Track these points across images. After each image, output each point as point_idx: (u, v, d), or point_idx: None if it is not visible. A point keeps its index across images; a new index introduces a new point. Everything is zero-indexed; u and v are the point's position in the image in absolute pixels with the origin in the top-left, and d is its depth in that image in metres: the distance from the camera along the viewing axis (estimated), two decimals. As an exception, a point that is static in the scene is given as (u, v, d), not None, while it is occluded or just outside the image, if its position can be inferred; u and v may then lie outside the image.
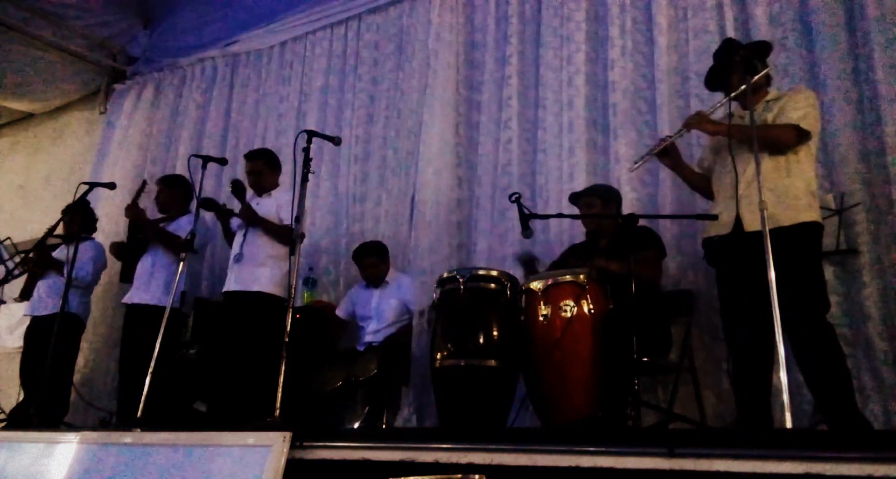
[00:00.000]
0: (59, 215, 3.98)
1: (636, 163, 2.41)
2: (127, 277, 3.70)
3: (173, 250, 3.33)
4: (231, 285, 3.15)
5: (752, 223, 2.06)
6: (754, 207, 2.01)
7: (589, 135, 3.16)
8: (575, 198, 2.78)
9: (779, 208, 2.02)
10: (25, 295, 3.89)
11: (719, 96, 2.32)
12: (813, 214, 2.06)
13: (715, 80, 2.34)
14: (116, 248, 3.84)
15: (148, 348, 2.73)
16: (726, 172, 2.17)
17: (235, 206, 3.33)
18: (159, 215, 3.79)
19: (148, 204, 3.86)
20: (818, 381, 1.96)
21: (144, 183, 3.81)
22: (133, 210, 3.57)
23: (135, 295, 3.53)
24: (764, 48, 2.29)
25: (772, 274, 1.78)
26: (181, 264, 2.95)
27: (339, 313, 3.31)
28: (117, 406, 3.52)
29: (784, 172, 2.09)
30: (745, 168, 2.11)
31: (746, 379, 2.08)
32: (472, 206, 3.43)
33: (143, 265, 3.58)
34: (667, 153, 2.35)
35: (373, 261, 3.26)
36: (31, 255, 3.86)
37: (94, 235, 4.14)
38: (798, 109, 2.12)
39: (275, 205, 3.21)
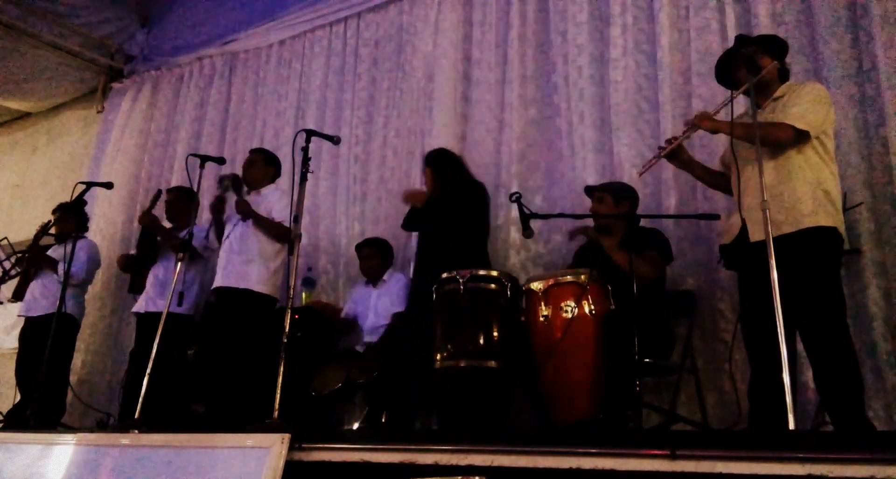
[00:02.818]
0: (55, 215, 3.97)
1: (644, 167, 2.33)
2: (136, 288, 3.70)
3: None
4: (220, 280, 3.13)
5: (755, 233, 2.01)
6: (755, 215, 1.97)
7: (592, 134, 3.15)
8: (589, 191, 2.77)
9: (780, 215, 1.96)
10: (18, 296, 3.88)
11: (722, 95, 2.29)
12: (819, 219, 1.96)
13: (723, 76, 2.28)
14: (124, 260, 3.86)
15: (162, 356, 2.73)
16: (735, 175, 2.10)
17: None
18: (168, 224, 3.78)
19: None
20: (828, 386, 1.92)
21: (160, 192, 3.84)
22: (147, 218, 3.58)
23: (149, 304, 3.52)
24: (776, 43, 2.22)
25: (774, 278, 1.73)
26: (179, 264, 2.94)
27: (344, 314, 3.30)
28: (120, 409, 3.50)
29: (785, 176, 2.02)
30: (749, 172, 2.05)
31: (762, 386, 2.00)
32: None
33: (155, 274, 3.59)
34: (675, 155, 2.28)
35: (367, 252, 3.25)
36: (25, 255, 3.85)
37: (89, 235, 4.13)
38: (798, 105, 2.04)
39: (264, 202, 3.20)
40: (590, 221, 2.75)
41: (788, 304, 1.75)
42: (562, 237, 3.08)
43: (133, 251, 3.97)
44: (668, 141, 2.26)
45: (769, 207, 1.84)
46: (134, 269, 3.78)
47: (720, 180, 2.34)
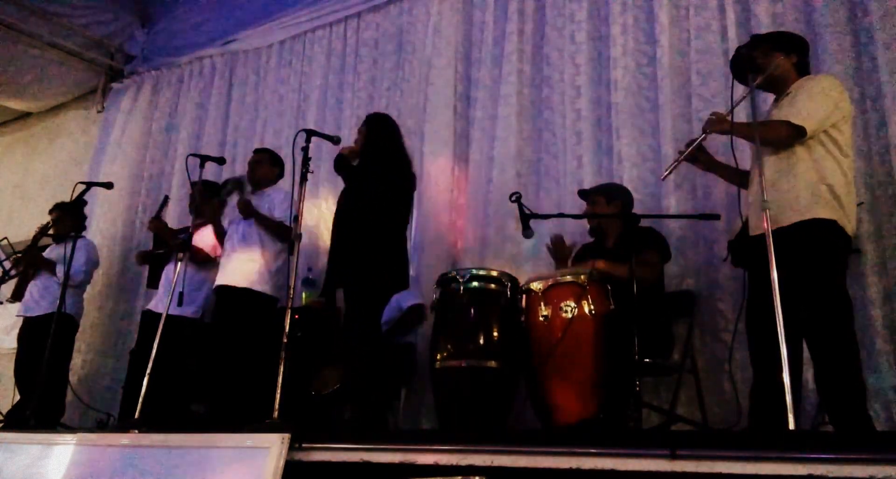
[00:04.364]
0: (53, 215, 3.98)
1: (666, 171, 2.33)
2: (154, 283, 3.71)
3: (197, 261, 3.31)
4: (221, 279, 3.13)
5: (755, 227, 2.02)
6: (755, 210, 1.97)
7: (592, 134, 3.15)
8: (583, 195, 2.78)
9: (779, 209, 1.96)
10: (17, 296, 3.89)
11: (722, 95, 2.30)
12: (816, 212, 1.95)
13: (740, 75, 2.23)
14: (142, 256, 3.86)
15: (166, 356, 2.74)
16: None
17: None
18: (187, 222, 3.78)
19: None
20: (828, 385, 1.92)
21: (167, 198, 3.90)
22: (156, 223, 3.61)
23: (159, 304, 3.52)
24: (789, 39, 2.20)
25: (774, 277, 1.73)
26: (180, 264, 2.95)
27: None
28: (120, 408, 3.51)
29: (785, 170, 2.01)
30: (753, 169, 2.06)
31: (765, 387, 1.98)
32: (471, 205, 3.42)
33: (167, 275, 3.59)
34: (695, 158, 2.28)
35: None
36: (23, 254, 3.87)
37: (89, 235, 4.13)
38: (799, 100, 2.03)
39: (268, 202, 3.20)
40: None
41: (789, 300, 1.74)
42: (546, 232, 3.08)
43: (136, 245, 3.98)
44: (687, 145, 2.25)
45: (770, 207, 1.82)
46: (151, 264, 3.78)
47: (746, 178, 2.29)
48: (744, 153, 2.35)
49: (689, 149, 2.22)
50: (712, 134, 2.16)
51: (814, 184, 1.97)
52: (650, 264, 2.47)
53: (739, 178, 2.33)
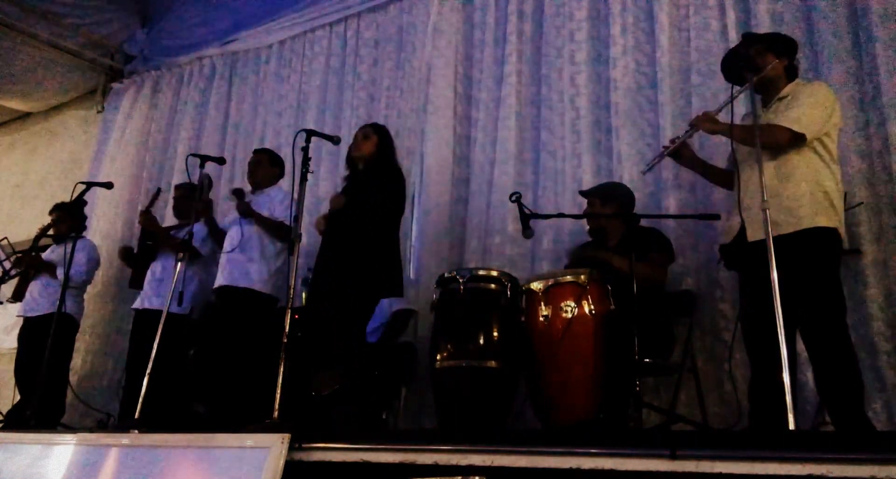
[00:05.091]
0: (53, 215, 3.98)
1: (648, 166, 2.36)
2: (137, 283, 3.71)
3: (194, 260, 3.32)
4: (221, 279, 3.13)
5: (754, 233, 2.02)
6: (754, 215, 1.98)
7: (591, 134, 3.15)
8: (584, 195, 2.79)
9: (779, 215, 1.97)
10: (18, 296, 3.89)
11: (722, 95, 2.30)
12: (818, 220, 1.98)
13: (730, 74, 2.25)
14: (124, 252, 3.85)
15: (159, 355, 2.73)
16: (736, 175, 2.11)
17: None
18: (172, 221, 3.79)
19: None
20: (828, 385, 1.93)
21: (159, 190, 3.87)
22: (146, 217, 3.60)
23: (145, 301, 3.53)
24: (782, 41, 2.21)
25: (774, 278, 1.74)
26: (179, 264, 2.95)
27: None
28: (119, 408, 3.51)
29: (784, 177, 2.03)
30: (749, 173, 2.06)
31: (763, 387, 2.00)
32: (471, 205, 3.42)
33: (154, 272, 3.59)
34: (679, 154, 2.30)
35: None
36: (23, 255, 3.87)
37: (89, 235, 4.13)
38: (797, 107, 2.04)
39: (268, 202, 3.21)
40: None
41: (788, 304, 1.75)
42: (546, 232, 3.08)
43: (134, 244, 3.99)
44: (672, 140, 2.27)
45: (769, 208, 1.84)
46: (134, 263, 3.78)
47: (726, 178, 2.31)
48: (720, 154, 2.36)
49: (674, 145, 2.24)
50: (701, 133, 2.17)
51: (813, 191, 2.00)
52: (659, 266, 2.47)
53: (721, 178, 2.35)
